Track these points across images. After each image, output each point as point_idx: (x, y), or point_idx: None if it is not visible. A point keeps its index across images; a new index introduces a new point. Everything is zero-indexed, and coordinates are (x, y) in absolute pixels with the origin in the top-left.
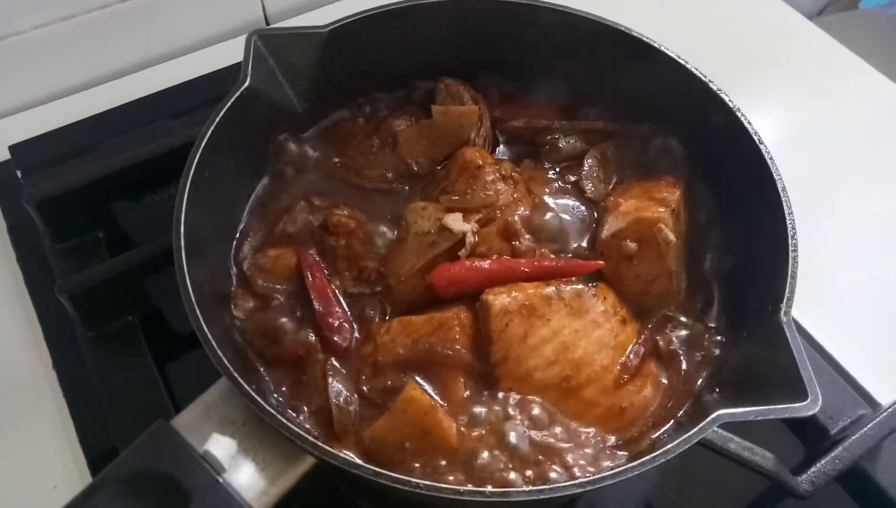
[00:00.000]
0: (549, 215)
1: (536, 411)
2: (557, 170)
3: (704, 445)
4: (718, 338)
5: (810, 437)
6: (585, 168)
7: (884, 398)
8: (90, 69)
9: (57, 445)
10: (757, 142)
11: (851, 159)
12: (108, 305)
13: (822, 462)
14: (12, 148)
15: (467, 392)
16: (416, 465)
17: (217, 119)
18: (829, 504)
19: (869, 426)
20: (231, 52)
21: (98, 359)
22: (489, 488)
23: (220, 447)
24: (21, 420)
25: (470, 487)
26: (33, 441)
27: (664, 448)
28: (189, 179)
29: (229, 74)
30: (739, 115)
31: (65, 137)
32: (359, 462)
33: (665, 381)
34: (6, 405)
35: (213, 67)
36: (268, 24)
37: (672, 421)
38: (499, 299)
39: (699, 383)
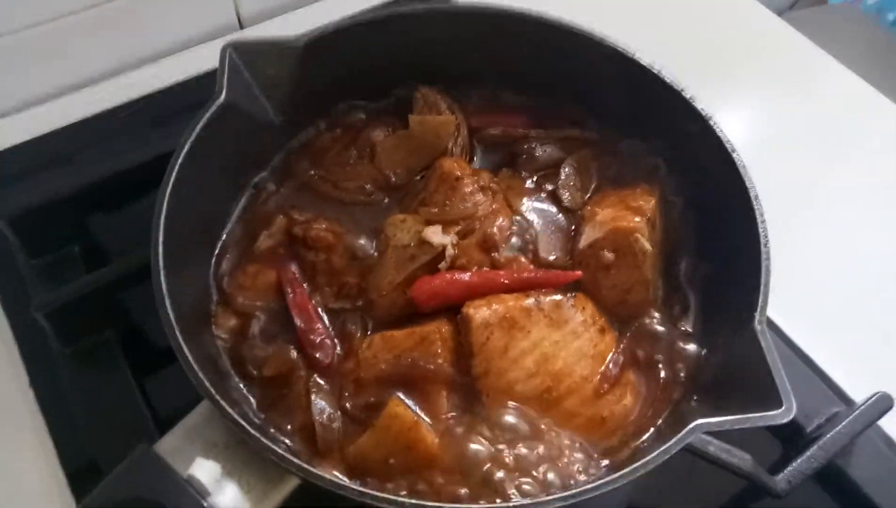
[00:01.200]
0: (527, 226)
1: (518, 423)
2: (535, 179)
3: (685, 449)
4: (695, 346)
5: (787, 436)
6: (562, 177)
7: (858, 396)
8: (57, 79)
9: (35, 464)
10: (729, 150)
11: (822, 156)
12: (85, 321)
13: (798, 461)
14: None
15: (450, 407)
16: (401, 481)
17: (193, 134)
18: (807, 501)
19: (843, 423)
20: (205, 58)
21: (76, 375)
22: (472, 505)
23: (205, 471)
24: None
25: (454, 504)
26: (11, 461)
27: (644, 460)
28: (166, 197)
29: (204, 81)
30: (712, 123)
31: (36, 149)
32: (344, 482)
33: (644, 390)
34: None
35: (187, 73)
36: (241, 27)
37: (652, 429)
38: (479, 312)
39: (677, 391)
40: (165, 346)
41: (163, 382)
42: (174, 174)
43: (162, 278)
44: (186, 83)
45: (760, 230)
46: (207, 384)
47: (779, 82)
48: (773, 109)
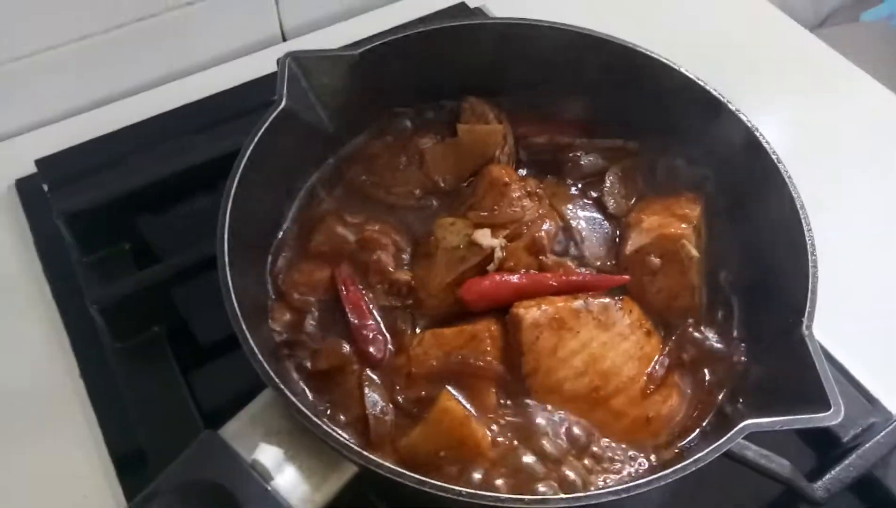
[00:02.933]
0: (572, 231)
1: (566, 420)
2: (579, 186)
3: (724, 454)
4: (739, 350)
5: (822, 445)
6: (607, 185)
7: (894, 407)
8: (111, 85)
9: (86, 454)
10: (775, 161)
11: (854, 171)
12: (136, 316)
13: (837, 469)
14: (38, 162)
15: (499, 402)
16: (452, 473)
17: (255, 140)
18: None
19: (882, 433)
20: (249, 69)
21: (126, 369)
22: (528, 496)
23: (268, 456)
24: (50, 430)
25: (510, 495)
26: (62, 451)
27: (694, 458)
28: (231, 195)
29: (249, 90)
30: (758, 134)
31: (89, 152)
32: (403, 470)
33: (689, 391)
34: (35, 415)
35: (232, 82)
36: (284, 39)
37: (697, 431)
38: (529, 312)
39: (722, 393)
40: (211, 343)
41: (208, 377)
42: (238, 174)
43: (227, 271)
44: (231, 92)
45: (807, 239)
46: (271, 372)
47: (810, 96)
48: (804, 123)
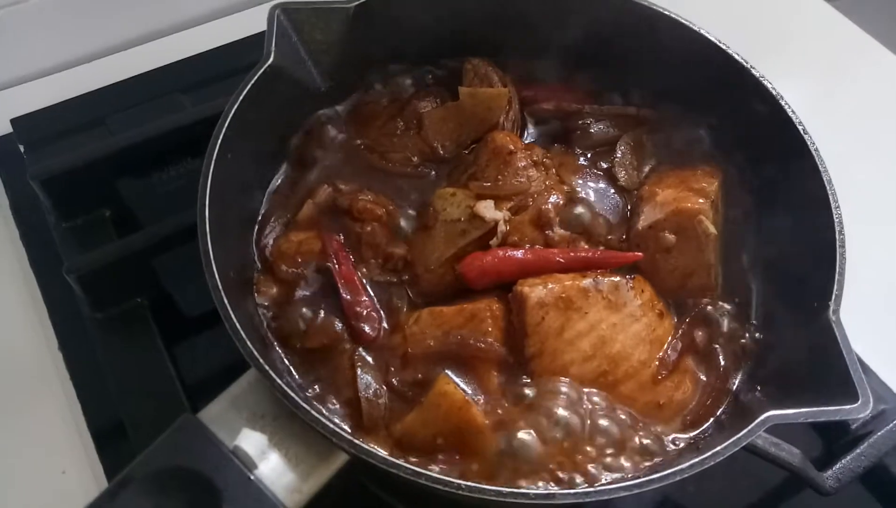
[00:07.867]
0: (581, 204)
1: (572, 406)
2: (588, 156)
3: None
4: (757, 334)
5: (829, 431)
6: (618, 155)
7: None
8: (94, 40)
9: (64, 428)
10: (801, 132)
11: (869, 141)
12: (117, 286)
13: (848, 458)
14: (14, 121)
15: (500, 386)
16: (450, 461)
17: (240, 98)
18: (848, 500)
19: (895, 422)
20: (239, 26)
21: (106, 341)
22: (533, 490)
23: (251, 442)
24: (27, 404)
25: (513, 489)
26: (40, 425)
27: (713, 451)
28: (213, 162)
29: (239, 48)
30: (783, 103)
31: (69, 111)
32: (400, 461)
33: (703, 377)
34: (12, 388)
35: (221, 40)
36: None
37: (712, 420)
38: (535, 291)
39: (738, 380)
40: (195, 314)
41: (193, 350)
42: (220, 138)
43: (209, 242)
44: (219, 51)
45: (834, 216)
46: (255, 352)
47: (825, 65)
48: (819, 93)
